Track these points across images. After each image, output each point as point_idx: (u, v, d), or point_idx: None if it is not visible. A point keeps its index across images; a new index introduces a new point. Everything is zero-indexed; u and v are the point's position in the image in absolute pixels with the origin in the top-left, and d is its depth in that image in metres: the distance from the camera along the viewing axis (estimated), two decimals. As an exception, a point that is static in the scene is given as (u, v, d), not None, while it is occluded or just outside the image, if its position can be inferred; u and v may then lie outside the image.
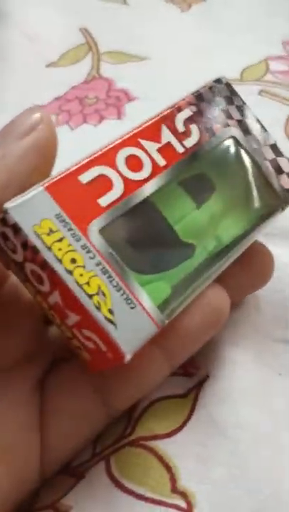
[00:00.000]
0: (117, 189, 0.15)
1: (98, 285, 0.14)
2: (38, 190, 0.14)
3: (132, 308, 0.14)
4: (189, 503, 0.16)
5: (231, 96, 0.18)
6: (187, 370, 0.20)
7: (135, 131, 0.16)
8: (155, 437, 0.17)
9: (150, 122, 0.16)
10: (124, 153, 0.15)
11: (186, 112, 0.17)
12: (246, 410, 0.18)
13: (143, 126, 0.16)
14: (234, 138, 0.18)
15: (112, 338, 0.14)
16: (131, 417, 0.18)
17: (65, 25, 0.37)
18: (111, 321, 0.14)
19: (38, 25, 0.37)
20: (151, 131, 0.16)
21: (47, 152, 0.15)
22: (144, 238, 0.16)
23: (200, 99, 0.18)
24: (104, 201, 0.15)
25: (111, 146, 0.15)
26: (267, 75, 0.33)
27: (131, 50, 0.35)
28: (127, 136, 0.16)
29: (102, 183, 0.15)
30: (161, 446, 0.17)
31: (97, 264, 0.14)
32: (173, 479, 0.16)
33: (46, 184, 0.14)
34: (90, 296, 0.14)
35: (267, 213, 0.18)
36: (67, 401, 0.17)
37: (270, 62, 0.34)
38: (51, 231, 0.14)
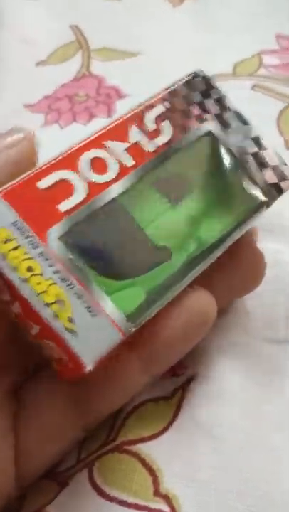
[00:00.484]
0: (80, 193, 0.14)
1: (57, 293, 0.13)
2: None
3: (93, 316, 0.14)
4: (173, 508, 0.15)
5: (209, 89, 0.18)
6: (174, 371, 0.19)
7: (101, 132, 0.15)
8: (139, 441, 0.17)
9: (118, 122, 0.16)
10: (88, 156, 0.15)
11: (158, 109, 0.17)
12: (234, 412, 0.18)
13: (110, 126, 0.16)
14: (212, 133, 0.17)
15: (71, 348, 0.13)
16: (115, 422, 0.18)
17: (55, 23, 0.37)
18: (70, 330, 0.13)
19: (28, 24, 0.37)
20: (118, 131, 0.16)
21: (25, 167, 0.15)
22: (113, 242, 0.15)
23: (174, 94, 0.17)
24: (64, 206, 0.14)
25: (73, 149, 0.15)
26: (260, 70, 0.32)
27: (122, 47, 0.35)
28: (92, 137, 0.15)
29: (63, 188, 0.14)
30: (145, 449, 0.17)
31: (56, 272, 0.13)
32: (156, 482, 0.16)
33: (4, 191, 0.14)
34: (48, 305, 0.13)
35: (251, 210, 0.17)
36: (43, 408, 0.17)
37: (263, 56, 0.33)
38: (7, 239, 0.13)
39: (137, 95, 0.32)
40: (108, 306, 0.14)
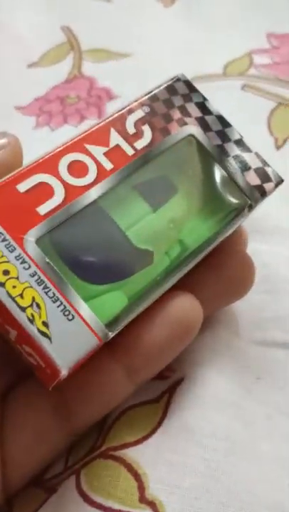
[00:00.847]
0: (58, 196, 0.14)
1: (32, 297, 0.13)
2: None
3: (69, 320, 0.13)
4: (158, 514, 0.15)
5: (190, 93, 0.18)
6: (162, 374, 0.19)
7: (82, 136, 0.15)
8: (124, 446, 0.17)
9: (98, 126, 0.16)
10: (68, 160, 0.15)
11: (138, 113, 0.17)
12: (221, 417, 0.17)
13: (90, 130, 0.16)
14: (193, 136, 0.17)
15: (46, 352, 0.13)
16: (102, 428, 0.18)
17: (47, 24, 0.37)
18: (45, 335, 0.13)
19: (20, 25, 0.37)
20: (98, 135, 0.16)
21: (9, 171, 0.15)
22: (93, 246, 0.15)
23: (154, 99, 0.17)
24: (43, 209, 0.14)
25: (53, 153, 0.15)
26: (250, 69, 0.32)
27: (113, 48, 0.35)
28: (72, 141, 0.15)
29: (42, 191, 0.14)
30: (130, 454, 0.17)
31: (32, 275, 0.13)
32: (142, 488, 0.16)
33: None
34: (23, 309, 0.13)
35: (234, 213, 0.17)
36: (28, 416, 0.17)
37: (253, 55, 0.33)
38: None
39: (127, 96, 0.32)
40: (85, 310, 0.14)
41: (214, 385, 0.18)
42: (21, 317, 0.13)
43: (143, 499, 0.15)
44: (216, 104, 0.29)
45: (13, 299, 0.13)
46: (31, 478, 0.17)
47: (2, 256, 0.13)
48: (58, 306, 0.13)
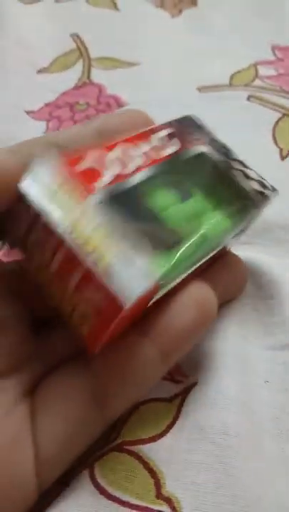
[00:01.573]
0: (108, 178, 0.16)
1: (98, 243, 0.15)
2: (44, 164, 0.15)
3: (129, 265, 0.15)
4: (174, 509, 0.16)
5: (200, 126, 0.21)
6: (174, 378, 0.20)
7: (127, 137, 0.18)
8: (139, 442, 0.17)
9: (138, 133, 0.18)
10: (114, 154, 0.17)
11: (164, 132, 0.19)
12: (232, 418, 0.18)
13: (131, 135, 0.18)
14: (205, 153, 0.20)
15: (110, 288, 0.14)
16: (116, 421, 0.18)
17: (56, 32, 0.38)
18: (109, 274, 0.15)
19: (29, 32, 0.38)
20: (141, 137, 0.18)
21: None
22: (133, 221, 0.16)
23: (170, 125, 0.20)
24: (97, 184, 0.16)
25: (106, 145, 0.17)
26: (256, 81, 0.33)
27: (122, 56, 0.36)
28: (120, 139, 0.18)
29: (95, 174, 0.16)
30: (145, 451, 0.17)
31: (97, 226, 0.15)
32: (158, 485, 0.17)
33: (56, 160, 0.15)
34: (89, 253, 0.15)
35: (244, 210, 0.20)
36: (62, 407, 0.17)
37: (259, 67, 0.34)
38: (52, 196, 0.15)
39: (135, 104, 0.33)
40: (141, 258, 0.15)
41: (225, 388, 0.19)
42: (88, 260, 0.15)
43: (160, 495, 0.16)
44: (222, 114, 0.30)
45: (79, 245, 0.15)
46: (62, 472, 0.17)
47: (71, 208, 0.15)
48: (120, 252, 0.15)
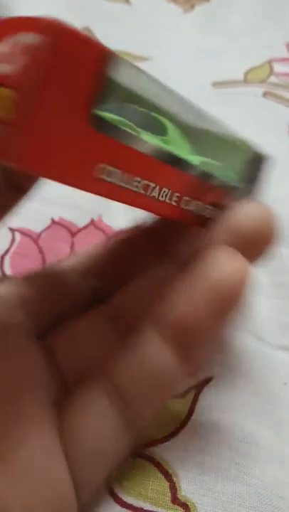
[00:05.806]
0: None
1: None
2: None
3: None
4: (190, 516, 0.15)
5: None
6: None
7: None
8: (152, 443, 0.17)
9: None
10: None
11: None
12: (250, 422, 0.17)
13: None
14: None
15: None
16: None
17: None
18: None
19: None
20: None
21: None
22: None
23: None
24: None
25: None
26: (271, 77, 0.32)
27: (133, 50, 0.35)
28: None
29: None
30: (159, 452, 0.16)
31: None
32: (173, 488, 0.16)
33: None
34: None
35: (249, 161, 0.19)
36: (90, 423, 0.15)
37: (274, 64, 0.33)
38: None
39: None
40: None
41: (243, 390, 0.18)
42: None
43: (175, 500, 0.15)
44: (238, 110, 0.30)
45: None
46: (99, 484, 0.16)
47: None
48: None
